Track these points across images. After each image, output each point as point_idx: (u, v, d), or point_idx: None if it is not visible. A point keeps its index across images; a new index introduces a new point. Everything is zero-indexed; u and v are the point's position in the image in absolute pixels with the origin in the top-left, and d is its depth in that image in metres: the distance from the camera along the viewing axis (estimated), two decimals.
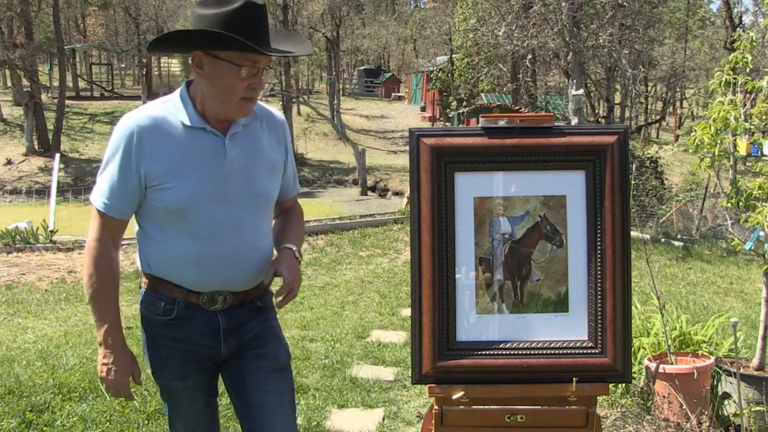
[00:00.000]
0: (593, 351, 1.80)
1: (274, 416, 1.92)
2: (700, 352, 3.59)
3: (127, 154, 1.77)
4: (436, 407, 1.82)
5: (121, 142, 1.77)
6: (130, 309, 6.59)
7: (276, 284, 1.94)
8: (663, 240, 11.13)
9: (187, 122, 1.79)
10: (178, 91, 1.86)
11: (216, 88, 1.77)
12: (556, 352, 1.80)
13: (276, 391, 1.95)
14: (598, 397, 1.88)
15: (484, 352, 1.80)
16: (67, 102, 24.06)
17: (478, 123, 1.85)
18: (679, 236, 11.90)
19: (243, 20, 1.70)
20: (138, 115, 1.80)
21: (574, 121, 10.49)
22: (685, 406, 3.17)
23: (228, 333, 1.91)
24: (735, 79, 3.37)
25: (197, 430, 2.06)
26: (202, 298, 1.87)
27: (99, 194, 1.81)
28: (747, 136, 3.91)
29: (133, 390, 2.03)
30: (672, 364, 3.35)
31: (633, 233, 8.84)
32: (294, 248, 1.93)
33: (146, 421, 3.38)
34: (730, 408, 3.33)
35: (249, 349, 1.95)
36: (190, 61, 1.81)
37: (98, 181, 1.83)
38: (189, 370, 1.94)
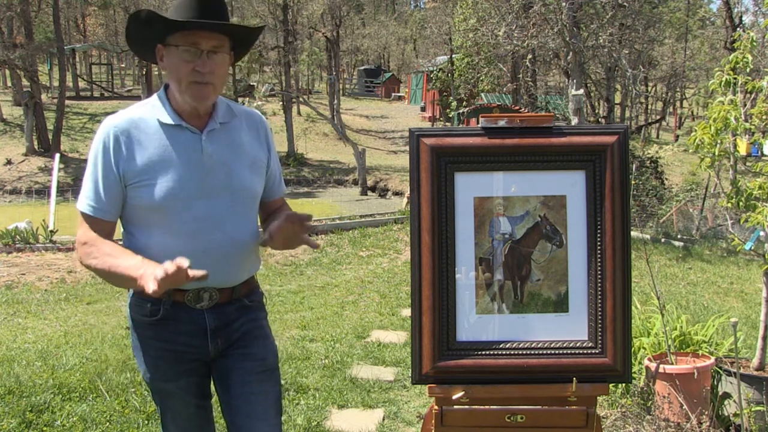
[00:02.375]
0: (593, 351, 1.80)
1: (258, 420, 1.92)
2: (700, 352, 3.59)
3: (107, 155, 1.80)
4: (436, 407, 1.82)
5: (100, 145, 1.81)
6: None
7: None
8: (663, 240, 11.14)
9: (164, 120, 1.83)
10: (157, 93, 1.90)
11: (170, 75, 1.83)
12: (556, 352, 1.80)
13: (261, 393, 1.94)
14: (598, 397, 1.88)
15: (484, 352, 1.80)
16: (67, 102, 24.05)
17: (478, 123, 1.85)
18: (679, 236, 11.91)
19: (188, 4, 1.79)
20: (115, 118, 1.84)
21: (574, 121, 10.49)
22: (685, 406, 3.17)
23: (215, 332, 1.91)
24: (735, 79, 3.37)
25: (190, 431, 2.05)
26: (188, 296, 1.87)
27: (84, 198, 1.84)
28: (747, 136, 3.91)
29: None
30: (672, 364, 3.34)
31: (633, 233, 8.85)
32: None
33: (146, 421, 3.38)
34: (730, 408, 3.33)
35: (235, 348, 1.95)
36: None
37: (83, 185, 1.86)
38: (179, 372, 1.93)
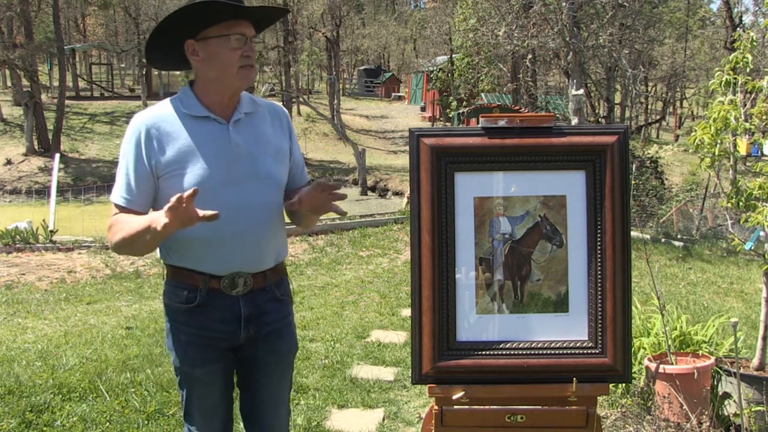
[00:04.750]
0: (593, 351, 1.80)
1: (272, 411, 2.10)
2: (700, 352, 3.59)
3: (138, 149, 1.90)
4: (436, 407, 1.82)
5: (131, 139, 1.91)
6: (130, 309, 6.59)
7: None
8: (663, 240, 11.13)
9: (192, 113, 1.93)
10: (183, 89, 2.00)
11: (214, 67, 1.90)
12: (557, 352, 1.80)
13: (279, 387, 2.11)
14: (598, 397, 1.88)
15: (484, 352, 1.80)
16: (67, 102, 24.04)
17: (478, 123, 1.85)
18: (679, 236, 11.90)
19: None
20: (145, 113, 1.95)
21: (574, 121, 10.49)
22: (685, 406, 3.17)
23: (248, 319, 2.00)
24: (735, 79, 3.37)
25: (213, 420, 2.09)
26: (223, 282, 1.95)
27: (116, 190, 1.93)
28: (747, 136, 3.91)
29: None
30: (672, 364, 3.34)
31: (633, 233, 8.85)
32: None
33: (146, 421, 3.38)
34: (730, 408, 3.33)
35: (264, 342, 2.05)
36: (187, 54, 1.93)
37: (116, 179, 1.95)
38: (208, 358, 2.01)
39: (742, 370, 3.28)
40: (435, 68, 28.97)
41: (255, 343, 2.03)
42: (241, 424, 2.20)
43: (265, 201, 1.97)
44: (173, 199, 1.65)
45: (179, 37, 1.90)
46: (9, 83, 28.74)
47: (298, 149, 2.13)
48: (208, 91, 1.94)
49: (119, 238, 1.85)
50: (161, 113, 1.93)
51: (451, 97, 26.08)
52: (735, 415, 3.25)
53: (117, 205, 1.91)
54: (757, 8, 19.90)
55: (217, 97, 1.93)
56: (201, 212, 1.69)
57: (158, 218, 1.71)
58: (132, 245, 1.84)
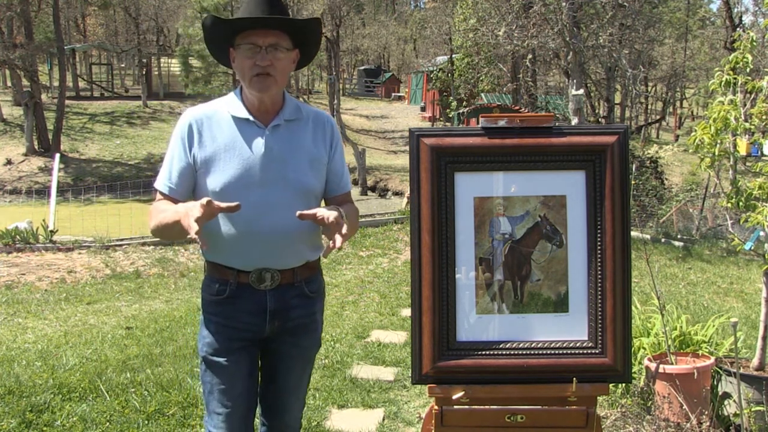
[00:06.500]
0: (593, 351, 1.80)
1: (291, 403, 2.21)
2: (700, 352, 3.59)
3: (183, 141, 2.03)
4: (436, 407, 1.82)
5: (178, 132, 2.04)
6: (130, 309, 6.59)
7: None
8: (663, 240, 11.13)
9: (235, 113, 2.04)
10: (236, 90, 2.13)
11: (238, 74, 2.03)
12: (557, 352, 1.80)
13: (299, 380, 2.20)
14: (598, 397, 1.88)
15: (484, 352, 1.80)
16: (67, 102, 24.01)
17: (478, 123, 1.85)
18: (679, 236, 11.90)
19: (248, 5, 2.00)
20: (194, 109, 2.08)
21: (574, 121, 10.48)
22: (685, 406, 3.17)
23: (274, 314, 2.07)
24: (735, 79, 3.37)
25: (233, 414, 2.08)
26: (251, 276, 2.03)
27: (161, 178, 2.05)
28: (747, 136, 3.91)
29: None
30: (672, 364, 3.34)
31: (633, 233, 8.84)
32: (340, 209, 1.99)
33: (146, 421, 3.38)
34: (730, 408, 3.33)
35: (289, 336, 2.13)
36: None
37: (162, 167, 2.07)
38: (232, 348, 2.07)
39: (742, 370, 3.29)
40: (435, 68, 28.96)
41: (280, 336, 2.11)
42: (257, 421, 2.24)
43: (290, 204, 1.99)
44: (201, 204, 1.77)
45: (225, 45, 2.05)
46: (9, 83, 28.70)
47: (339, 158, 2.17)
48: (247, 95, 2.05)
49: (154, 224, 1.99)
50: (210, 111, 2.05)
51: (451, 97, 26.08)
52: (735, 415, 3.25)
53: (161, 192, 2.04)
54: (757, 8, 19.91)
55: (254, 102, 2.03)
56: (223, 204, 1.81)
57: (185, 219, 1.80)
58: (165, 232, 1.98)
